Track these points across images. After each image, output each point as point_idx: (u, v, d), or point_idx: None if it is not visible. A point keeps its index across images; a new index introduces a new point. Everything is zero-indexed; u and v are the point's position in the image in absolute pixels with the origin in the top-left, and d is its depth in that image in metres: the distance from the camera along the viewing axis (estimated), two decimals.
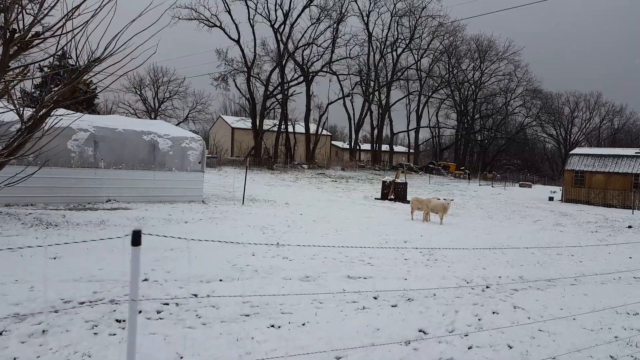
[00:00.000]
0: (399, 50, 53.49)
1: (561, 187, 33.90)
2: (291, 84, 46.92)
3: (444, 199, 15.00)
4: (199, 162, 15.03)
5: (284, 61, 45.56)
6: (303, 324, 4.87)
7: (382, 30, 50.86)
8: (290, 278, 6.69)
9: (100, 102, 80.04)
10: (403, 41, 53.22)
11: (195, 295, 5.54)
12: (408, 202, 24.86)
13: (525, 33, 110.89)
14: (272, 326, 4.76)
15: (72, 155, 12.44)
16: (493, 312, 5.80)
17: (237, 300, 5.40)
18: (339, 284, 6.57)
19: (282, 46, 43.64)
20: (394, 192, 25.11)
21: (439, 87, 59.64)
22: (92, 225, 9.95)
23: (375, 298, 6.01)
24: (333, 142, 65.21)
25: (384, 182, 25.78)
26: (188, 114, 79.31)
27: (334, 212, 16.76)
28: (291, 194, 23.98)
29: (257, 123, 44.08)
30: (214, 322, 4.74)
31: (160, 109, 79.58)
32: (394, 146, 60.51)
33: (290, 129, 49.77)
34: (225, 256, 7.67)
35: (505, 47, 60.38)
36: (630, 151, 31.10)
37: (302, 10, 42.66)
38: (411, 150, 61.77)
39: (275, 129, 46.26)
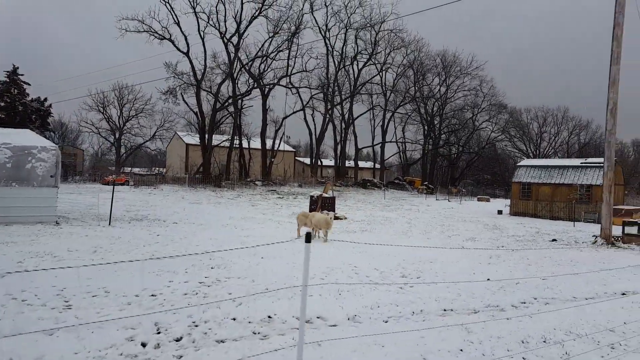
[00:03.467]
0: (360, 64, 52.75)
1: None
2: (245, 97, 45.64)
3: (327, 212, 13.41)
4: (52, 176, 13.25)
5: (236, 73, 44.37)
6: None
7: (344, 44, 49.93)
8: None
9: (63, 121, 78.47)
10: (364, 55, 52.52)
11: None
12: (337, 217, 23.39)
13: (492, 50, 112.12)
14: None
15: None
16: None
17: None
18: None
19: (232, 57, 42.46)
20: (321, 208, 23.54)
21: (403, 102, 58.87)
22: None
23: None
24: (298, 159, 63.79)
25: (311, 196, 24.23)
26: (155, 132, 77.76)
27: (211, 233, 15.23)
28: (202, 213, 22.29)
29: (206, 138, 42.52)
30: None
31: (125, 128, 77.88)
32: (359, 162, 59.28)
33: (246, 144, 48.32)
34: None
35: (468, 62, 60.04)
36: (576, 161, 30.05)
37: (251, 22, 41.72)
38: (377, 166, 60.51)
39: (228, 144, 44.74)
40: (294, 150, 61.90)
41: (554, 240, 17.52)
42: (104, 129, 77.14)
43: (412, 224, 21.85)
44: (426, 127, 61.85)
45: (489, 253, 12.52)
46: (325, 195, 23.79)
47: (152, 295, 6.77)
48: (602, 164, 29.59)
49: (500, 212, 31.57)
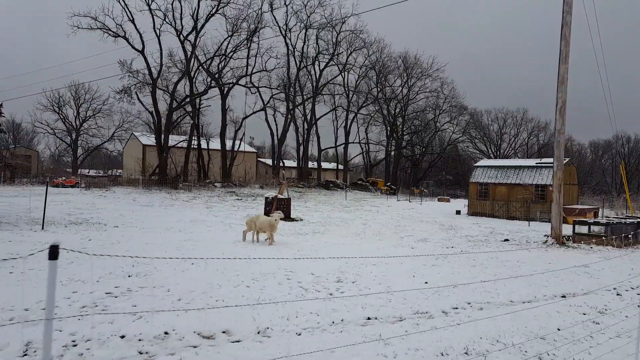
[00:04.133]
0: (322, 65, 52.29)
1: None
2: (202, 95, 44.27)
3: (274, 215, 12.68)
4: None
5: (194, 72, 43.00)
6: None
7: (305, 44, 49.29)
8: None
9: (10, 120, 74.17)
10: (326, 56, 52.12)
11: None
12: (293, 219, 22.69)
13: (456, 52, 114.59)
14: None
15: None
16: None
17: None
18: None
19: (189, 54, 41.08)
20: (276, 209, 22.76)
21: (366, 103, 58.82)
22: None
23: None
24: (261, 160, 62.71)
25: (266, 198, 23.42)
26: (114, 133, 74.64)
27: (150, 237, 14.27)
28: (150, 216, 21.16)
29: (162, 139, 40.92)
30: None
31: (82, 129, 74.42)
32: (323, 163, 58.79)
33: (205, 145, 46.91)
34: None
35: (429, 64, 60.71)
36: (532, 162, 30.55)
37: (207, 19, 40.42)
38: (341, 167, 60.19)
39: (185, 144, 43.25)
40: (256, 151, 60.72)
41: (506, 240, 17.45)
42: (59, 129, 73.71)
43: (368, 225, 21.43)
44: (389, 128, 62.07)
45: (437, 254, 12.13)
46: (280, 196, 23.03)
47: (44, 309, 5.86)
48: None
49: (458, 212, 31.73)
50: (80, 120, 74.10)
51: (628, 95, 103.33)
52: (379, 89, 59.30)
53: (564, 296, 7.54)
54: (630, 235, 17.62)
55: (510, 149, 76.85)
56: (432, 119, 65.04)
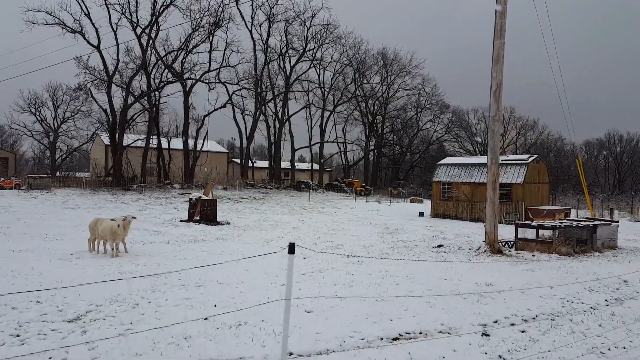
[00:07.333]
0: (293, 61, 49.91)
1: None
2: (159, 90, 41.93)
3: (116, 219, 10.23)
4: None
5: (152, 67, 40.70)
6: None
7: (267, 38, 46.73)
8: None
9: None
10: (298, 51, 49.73)
11: None
12: (219, 223, 20.28)
13: (436, 49, 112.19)
14: None
15: None
16: None
17: None
18: None
19: (144, 47, 38.78)
20: (200, 212, 20.39)
21: (342, 101, 56.35)
22: None
23: None
24: (235, 160, 60.30)
25: (190, 199, 21.03)
26: (93, 134, 72.35)
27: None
28: (53, 220, 18.75)
29: (117, 137, 38.59)
30: None
31: (61, 130, 72.26)
32: (299, 163, 56.40)
33: (165, 144, 44.54)
34: None
35: (407, 60, 58.32)
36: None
37: (162, 11, 38.05)
38: (317, 167, 57.67)
39: (142, 144, 40.90)
40: (227, 151, 58.23)
41: (439, 245, 15.05)
42: (37, 131, 71.84)
43: (298, 228, 19.04)
44: (367, 127, 59.62)
45: (328, 264, 9.74)
46: (205, 197, 20.65)
47: None
48: (523, 161, 27.86)
49: (421, 213, 29.31)
50: (59, 122, 72.18)
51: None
52: (356, 86, 56.89)
53: (396, 338, 5.14)
54: (587, 241, 15.27)
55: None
56: (412, 117, 62.58)
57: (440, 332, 5.44)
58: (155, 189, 37.78)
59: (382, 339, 5.07)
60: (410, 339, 5.15)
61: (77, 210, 23.82)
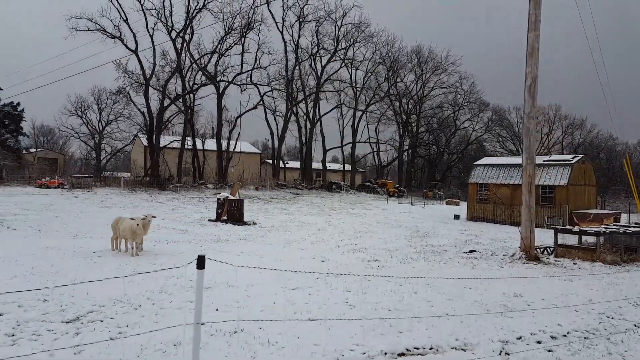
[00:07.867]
0: (324, 61, 49.58)
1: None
2: (194, 92, 42.73)
3: (136, 218, 10.22)
4: None
5: (186, 70, 41.57)
6: None
7: (299, 38, 46.61)
8: None
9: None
10: (329, 51, 49.39)
11: None
12: (245, 223, 20.21)
13: (475, 47, 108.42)
14: None
15: None
16: None
17: None
18: None
19: (179, 50, 39.64)
20: (227, 212, 20.39)
21: (374, 100, 55.36)
22: None
23: None
24: (269, 161, 60.69)
25: (218, 199, 21.10)
26: (134, 136, 75.12)
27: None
28: (85, 218, 19.25)
29: (154, 139, 39.63)
30: None
31: (105, 132, 75.56)
32: (331, 164, 56.02)
33: (200, 145, 45.36)
34: None
35: (443, 57, 56.64)
36: (539, 159, 26.58)
37: (195, 15, 38.73)
38: (348, 167, 56.98)
39: (178, 145, 41.84)
40: (260, 152, 58.64)
41: (471, 251, 14.24)
42: (83, 133, 75.57)
43: (324, 229, 18.63)
44: (401, 127, 58.36)
45: (345, 268, 9.29)
46: (232, 197, 20.64)
47: None
48: (566, 161, 26.21)
49: (457, 216, 28.20)
50: (103, 124, 75.43)
51: None
52: (389, 85, 55.82)
53: (402, 354, 4.65)
54: (637, 249, 14.00)
55: (544, 148, 70.98)
56: (449, 115, 60.73)
57: (454, 348, 4.90)
58: (189, 188, 38.52)
59: (385, 354, 4.59)
60: (417, 354, 4.65)
61: (113, 209, 24.48)
